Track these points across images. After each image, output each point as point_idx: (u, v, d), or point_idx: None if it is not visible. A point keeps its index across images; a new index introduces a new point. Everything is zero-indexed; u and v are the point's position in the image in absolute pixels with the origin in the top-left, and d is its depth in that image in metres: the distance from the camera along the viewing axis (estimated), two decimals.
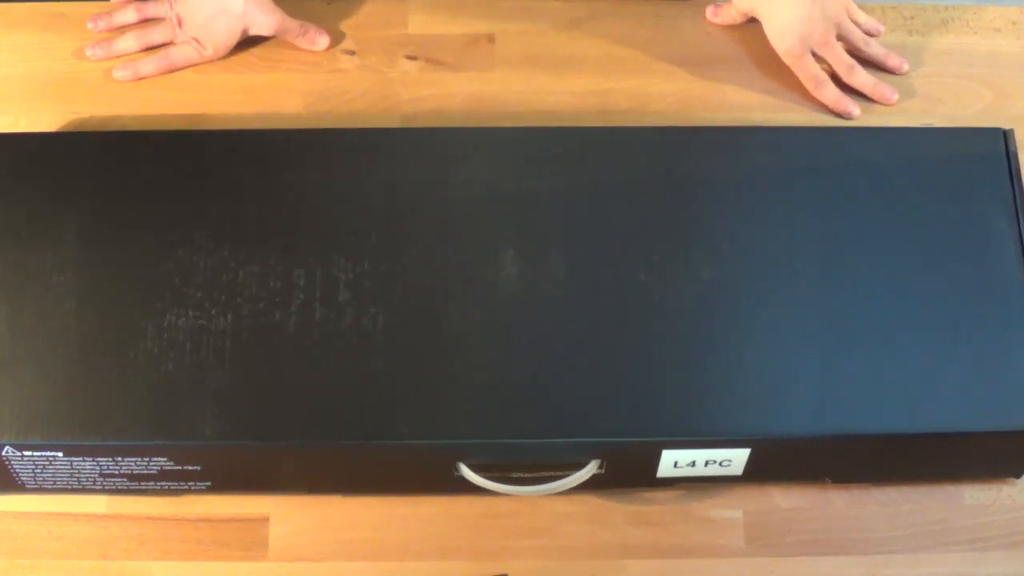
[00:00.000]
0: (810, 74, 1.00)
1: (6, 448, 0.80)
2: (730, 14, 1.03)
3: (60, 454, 0.80)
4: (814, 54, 1.00)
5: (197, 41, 0.99)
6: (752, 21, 1.03)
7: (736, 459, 0.82)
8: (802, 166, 0.89)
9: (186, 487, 0.84)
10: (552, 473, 0.82)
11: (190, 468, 0.82)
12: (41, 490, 0.84)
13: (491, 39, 1.03)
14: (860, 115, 0.99)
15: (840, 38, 1.01)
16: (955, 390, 0.81)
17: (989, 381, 0.82)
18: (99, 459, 0.81)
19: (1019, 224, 0.86)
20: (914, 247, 0.86)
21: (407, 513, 0.85)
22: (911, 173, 0.88)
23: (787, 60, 1.00)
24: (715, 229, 0.86)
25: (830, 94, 0.99)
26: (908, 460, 0.85)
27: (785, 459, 0.84)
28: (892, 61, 1.01)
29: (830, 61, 1.00)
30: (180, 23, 0.99)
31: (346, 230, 0.85)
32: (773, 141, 0.91)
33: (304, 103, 0.99)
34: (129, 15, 1.02)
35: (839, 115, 0.99)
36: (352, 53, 1.02)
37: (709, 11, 1.04)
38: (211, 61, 1.00)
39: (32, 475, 0.82)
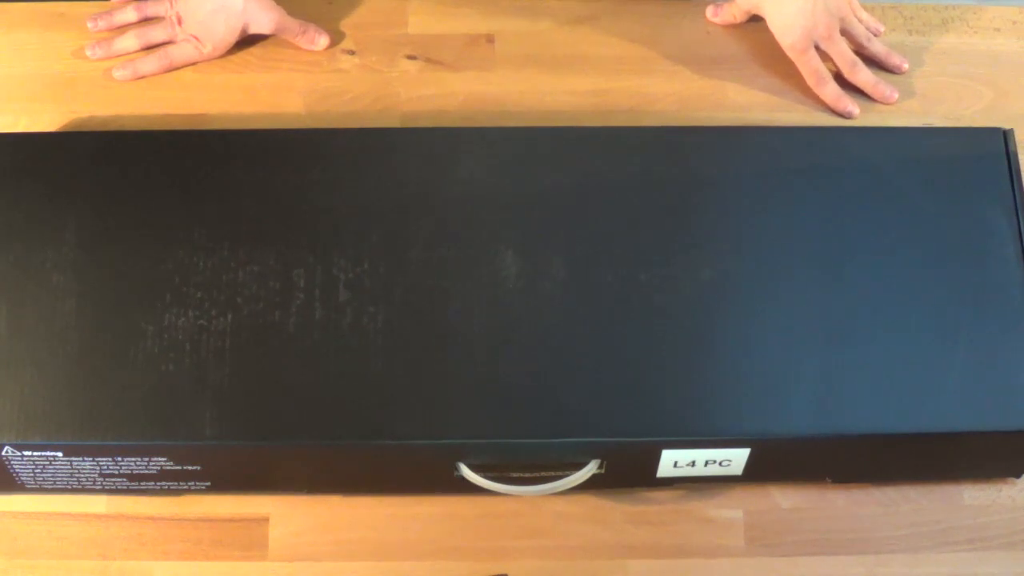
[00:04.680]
0: (812, 69, 1.00)
1: (6, 448, 0.80)
2: (731, 13, 1.03)
3: (60, 454, 0.80)
4: (817, 50, 1.00)
5: (196, 39, 0.99)
6: (753, 20, 1.03)
7: (736, 459, 0.82)
8: (802, 166, 0.89)
9: (186, 487, 0.84)
10: (552, 473, 0.82)
11: (190, 468, 0.82)
12: (41, 490, 0.84)
13: (491, 39, 1.03)
14: (859, 115, 0.99)
15: (843, 33, 1.01)
16: (955, 390, 0.81)
17: (989, 381, 0.82)
18: (99, 459, 0.81)
19: (1019, 224, 0.86)
20: (914, 247, 0.86)
21: (407, 513, 0.85)
22: (911, 173, 0.88)
23: (791, 55, 1.00)
24: (715, 229, 0.86)
25: (831, 92, 0.99)
26: (908, 460, 0.85)
27: (785, 459, 0.84)
28: (893, 60, 1.01)
29: (833, 56, 1.01)
30: (180, 21, 0.99)
31: (346, 230, 0.85)
32: (773, 141, 0.91)
33: (304, 103, 0.99)
34: (129, 14, 1.02)
35: (839, 114, 0.99)
36: (352, 53, 1.02)
37: (709, 11, 1.04)
38: (210, 59, 1.00)
39: (32, 475, 0.82)
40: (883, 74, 1.02)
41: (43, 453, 0.80)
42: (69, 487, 0.83)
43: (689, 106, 1.00)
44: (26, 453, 0.80)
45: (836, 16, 1.00)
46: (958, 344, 0.83)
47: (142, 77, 1.00)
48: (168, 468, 0.82)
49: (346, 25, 1.03)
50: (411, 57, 1.02)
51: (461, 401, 0.81)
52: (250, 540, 0.84)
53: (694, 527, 0.85)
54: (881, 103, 1.00)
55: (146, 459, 0.81)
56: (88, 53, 1.00)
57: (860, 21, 1.03)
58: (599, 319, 0.83)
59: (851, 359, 0.82)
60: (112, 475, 0.82)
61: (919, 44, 1.04)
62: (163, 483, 0.83)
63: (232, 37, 1.00)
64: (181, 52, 1.00)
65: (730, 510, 0.86)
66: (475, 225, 0.86)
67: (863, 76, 1.00)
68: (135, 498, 0.85)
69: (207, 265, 0.83)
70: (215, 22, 0.99)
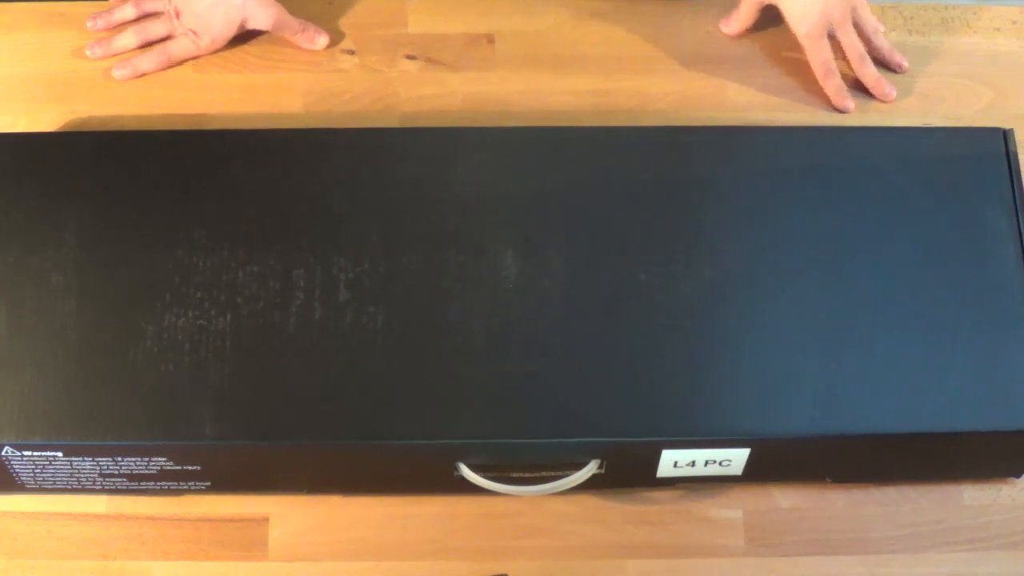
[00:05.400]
0: (822, 60, 1.00)
1: (6, 448, 0.80)
2: (743, 16, 1.02)
3: (60, 454, 0.80)
4: (829, 40, 1.00)
5: (194, 33, 0.99)
6: (765, 11, 1.02)
7: (736, 459, 0.82)
8: (802, 166, 0.89)
9: (186, 487, 0.84)
10: (552, 473, 0.82)
11: (190, 468, 0.82)
12: (41, 490, 0.84)
13: (491, 39, 1.03)
14: (859, 113, 0.99)
15: (854, 24, 1.01)
16: (955, 390, 0.81)
17: (989, 381, 0.82)
18: (99, 459, 0.81)
19: (1019, 224, 0.86)
20: (914, 247, 0.86)
21: (407, 513, 0.85)
22: (911, 173, 0.88)
23: (805, 43, 1.00)
24: (715, 229, 0.86)
25: (835, 86, 0.99)
26: (908, 460, 0.85)
27: (785, 459, 0.84)
28: (895, 58, 1.02)
29: (844, 45, 1.00)
30: (177, 15, 0.99)
31: (346, 230, 0.85)
32: (773, 141, 0.91)
33: (304, 103, 0.99)
34: (128, 11, 1.02)
35: (836, 108, 0.99)
36: (352, 53, 1.02)
37: (721, 24, 1.03)
38: (209, 53, 1.00)
39: (32, 475, 0.82)
40: (884, 72, 1.02)
41: (43, 453, 0.80)
42: (69, 487, 0.83)
43: (689, 106, 1.00)
44: (26, 453, 0.80)
45: (849, 4, 1.00)
46: (958, 344, 0.83)
47: (142, 75, 1.00)
48: (168, 468, 0.82)
49: (346, 25, 1.03)
50: (411, 57, 1.02)
51: (461, 401, 0.81)
52: (250, 540, 0.84)
53: (694, 527, 0.85)
54: (880, 100, 1.00)
55: (146, 459, 0.81)
56: (88, 53, 1.00)
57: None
58: (599, 319, 0.83)
59: (851, 359, 0.82)
60: (112, 475, 0.82)
61: (919, 44, 1.03)
62: (163, 483, 0.83)
63: (230, 31, 1.00)
64: (179, 47, 1.00)
65: (730, 510, 0.86)
66: (475, 225, 0.86)
67: (869, 71, 1.00)
68: (135, 498, 0.85)
69: (207, 265, 0.83)
70: (213, 16, 0.99)
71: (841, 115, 0.99)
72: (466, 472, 0.82)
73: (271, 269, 0.83)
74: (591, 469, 0.82)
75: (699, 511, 0.86)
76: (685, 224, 0.86)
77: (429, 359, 0.81)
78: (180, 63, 1.00)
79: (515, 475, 0.82)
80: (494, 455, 0.82)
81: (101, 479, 0.83)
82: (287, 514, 0.85)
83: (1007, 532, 0.85)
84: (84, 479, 0.82)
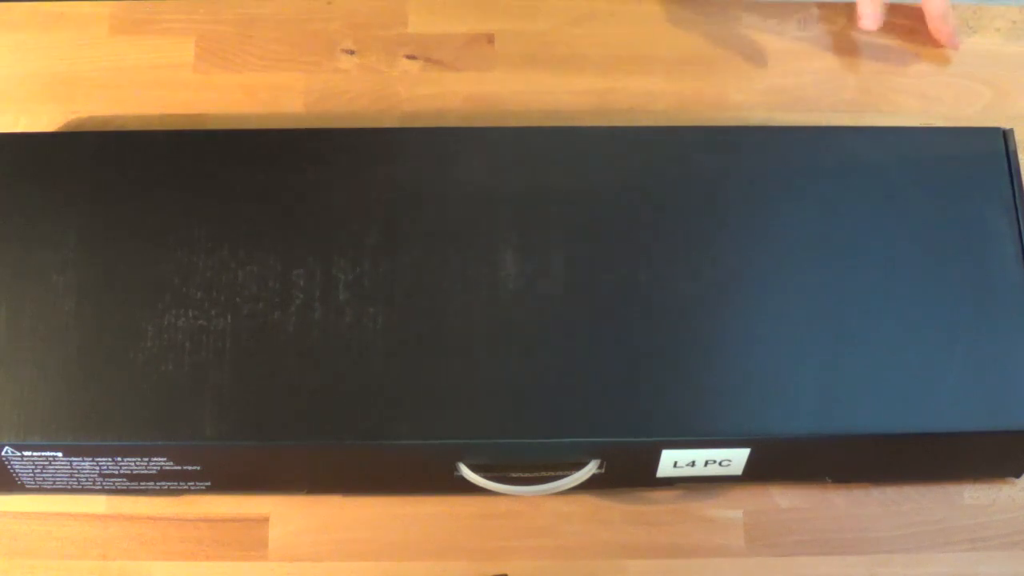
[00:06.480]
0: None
1: (6, 448, 0.80)
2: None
3: (60, 454, 0.80)
4: None
5: None
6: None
7: (736, 459, 0.82)
8: (802, 166, 0.89)
9: (186, 487, 0.84)
10: (552, 473, 0.82)
11: (190, 468, 0.82)
12: (41, 490, 0.84)
13: (491, 39, 1.03)
14: (860, 111, 0.99)
15: None
16: (955, 390, 0.81)
17: (989, 381, 0.82)
18: (99, 459, 0.81)
19: (1019, 224, 0.86)
20: (914, 247, 0.86)
21: (407, 513, 0.85)
22: (911, 173, 0.88)
23: None
24: (715, 229, 0.86)
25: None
26: (908, 460, 0.85)
27: (785, 459, 0.84)
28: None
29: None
30: None
31: (346, 230, 0.85)
32: (773, 141, 0.91)
33: (304, 103, 0.99)
34: None
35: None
36: (352, 53, 1.02)
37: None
38: None
39: (32, 475, 0.82)
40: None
41: (43, 453, 0.80)
42: (69, 487, 0.83)
43: (689, 106, 1.00)
44: (26, 453, 0.80)
45: None
46: (958, 344, 0.83)
47: None
48: (168, 468, 0.82)
49: (346, 25, 1.03)
50: (411, 57, 1.02)
51: (461, 401, 0.81)
52: (250, 540, 0.84)
53: (694, 527, 0.85)
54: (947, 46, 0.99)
55: (146, 459, 0.81)
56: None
57: None
58: (599, 319, 0.83)
59: (851, 359, 0.82)
60: (112, 475, 0.82)
61: (919, 44, 1.03)
62: (163, 483, 0.83)
63: None
64: None
65: (730, 510, 0.86)
66: (475, 225, 0.86)
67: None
68: (135, 498, 0.85)
69: (207, 265, 0.83)
70: None
71: (841, 115, 0.99)
72: (466, 472, 0.82)
73: (271, 269, 0.83)
74: (591, 469, 0.82)
75: (699, 511, 0.86)
76: (685, 224, 0.86)
77: (429, 359, 0.81)
78: None
79: (515, 475, 0.82)
80: (494, 455, 0.82)
81: (101, 479, 0.83)
82: (287, 514, 0.85)
83: (1007, 532, 0.85)
84: (84, 479, 0.82)
